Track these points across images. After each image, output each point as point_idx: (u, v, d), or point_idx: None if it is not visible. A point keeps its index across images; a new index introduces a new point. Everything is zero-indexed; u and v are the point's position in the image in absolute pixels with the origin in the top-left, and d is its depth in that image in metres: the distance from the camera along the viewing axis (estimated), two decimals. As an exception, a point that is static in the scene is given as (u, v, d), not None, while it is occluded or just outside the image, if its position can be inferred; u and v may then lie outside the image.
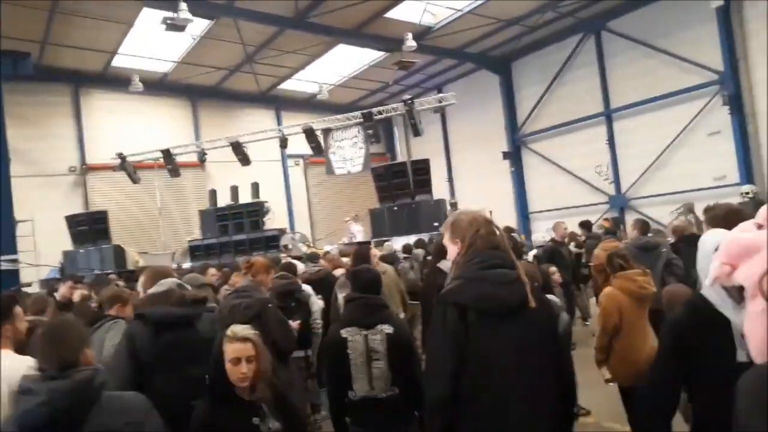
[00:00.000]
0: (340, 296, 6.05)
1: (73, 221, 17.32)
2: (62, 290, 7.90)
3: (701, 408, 2.37)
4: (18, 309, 3.26)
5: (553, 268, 7.21)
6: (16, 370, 2.94)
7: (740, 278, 1.81)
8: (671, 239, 8.02)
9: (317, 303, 6.25)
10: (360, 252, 6.92)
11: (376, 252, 7.43)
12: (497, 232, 2.66)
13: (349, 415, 3.57)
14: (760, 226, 1.84)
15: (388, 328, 3.48)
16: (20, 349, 3.19)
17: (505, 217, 18.23)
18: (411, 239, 12.93)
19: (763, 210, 1.90)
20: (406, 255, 10.38)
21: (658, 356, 2.51)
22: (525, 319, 2.47)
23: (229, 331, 2.96)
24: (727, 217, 3.27)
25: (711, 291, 2.09)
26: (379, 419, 3.48)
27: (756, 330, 1.48)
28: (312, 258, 9.01)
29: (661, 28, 17.17)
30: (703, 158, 16.40)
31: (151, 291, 3.63)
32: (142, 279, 4.07)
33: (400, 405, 3.45)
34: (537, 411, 2.41)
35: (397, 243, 12.71)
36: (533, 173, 21.79)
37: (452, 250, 2.68)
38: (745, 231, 1.89)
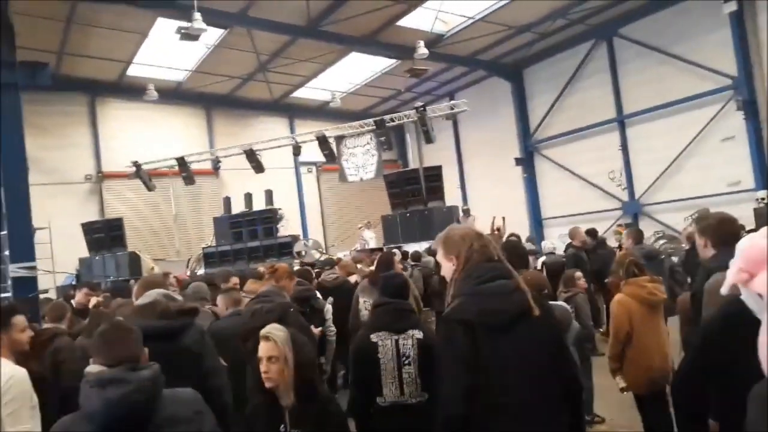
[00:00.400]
0: (362, 301, 6.08)
1: (89, 228, 17.53)
2: (78, 297, 7.99)
3: (722, 414, 2.38)
4: (18, 319, 3.29)
5: (579, 273, 7.15)
6: (21, 379, 3.00)
7: (757, 287, 1.76)
8: (686, 246, 7.99)
9: (330, 310, 6.32)
10: (384, 258, 6.98)
11: (399, 258, 7.51)
12: (490, 245, 2.69)
13: (374, 422, 3.55)
14: None
15: (418, 333, 3.51)
16: (23, 359, 3.25)
17: (518, 223, 18.20)
18: (423, 246, 12.98)
19: None
20: (414, 263, 10.41)
21: (686, 356, 2.54)
22: (529, 328, 2.49)
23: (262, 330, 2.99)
24: (719, 226, 3.28)
25: (747, 296, 2.05)
26: (408, 425, 3.46)
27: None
28: (328, 264, 9.08)
29: (673, 34, 17.12)
30: (717, 164, 16.29)
31: (137, 302, 3.56)
32: (135, 289, 4.04)
33: (429, 411, 3.42)
34: (544, 419, 2.43)
35: (410, 250, 12.73)
36: (546, 179, 21.75)
37: (447, 267, 2.69)
38: (765, 237, 1.84)
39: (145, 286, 3.74)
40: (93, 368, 2.15)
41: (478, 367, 2.38)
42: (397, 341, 3.49)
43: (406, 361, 3.46)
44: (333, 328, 6.03)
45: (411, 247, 13.32)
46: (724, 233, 3.21)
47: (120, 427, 2.03)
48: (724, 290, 1.93)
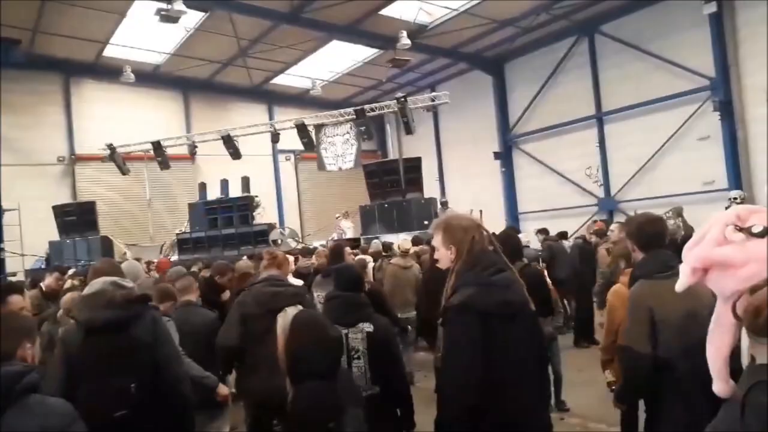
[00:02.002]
0: (316, 294, 6.05)
1: (60, 211, 17.20)
2: (48, 281, 7.84)
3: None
4: (14, 298, 3.23)
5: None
6: None
7: (711, 283, 1.78)
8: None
9: (319, 303, 6.35)
10: (334, 249, 6.94)
11: (349, 249, 7.52)
12: (489, 236, 2.74)
13: None
14: (738, 228, 1.77)
15: (368, 327, 3.43)
16: None
17: (494, 217, 18.26)
18: (401, 237, 12.94)
19: (738, 210, 1.82)
20: (385, 254, 10.36)
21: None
22: (528, 320, 2.62)
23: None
24: (640, 229, 3.31)
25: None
26: None
27: (718, 354, 1.52)
28: (305, 252, 9.04)
29: (653, 33, 17.26)
30: (693, 163, 16.52)
31: (83, 292, 3.41)
32: (88, 277, 3.89)
33: (381, 404, 3.37)
34: (541, 402, 2.65)
35: (386, 241, 12.70)
36: (523, 174, 21.86)
37: (444, 255, 2.69)
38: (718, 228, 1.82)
39: (93, 275, 3.56)
40: None
41: (489, 356, 2.44)
42: (346, 335, 3.40)
43: (356, 355, 3.39)
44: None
45: (388, 238, 13.28)
46: (647, 235, 3.25)
47: None
48: (677, 288, 1.93)
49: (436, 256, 2.80)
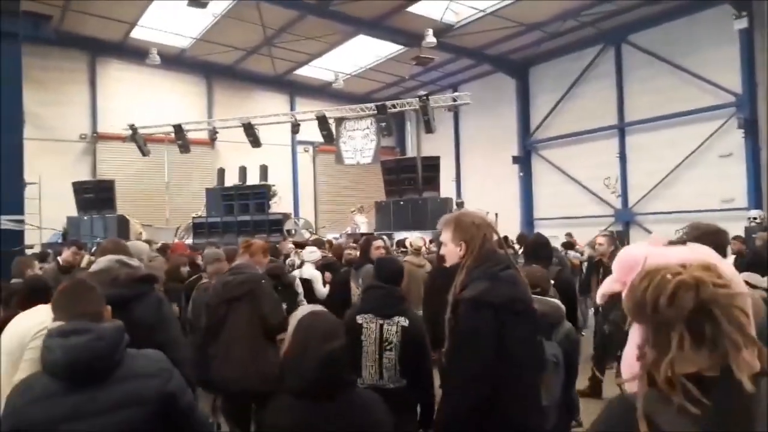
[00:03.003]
0: (353, 286, 6.08)
1: (79, 188, 17.36)
2: (65, 255, 7.90)
3: None
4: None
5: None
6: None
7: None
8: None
9: (300, 286, 6.41)
10: (364, 243, 6.95)
11: (379, 244, 7.48)
12: (497, 233, 2.77)
13: None
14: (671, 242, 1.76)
15: (404, 321, 3.46)
16: None
17: (509, 221, 18.23)
18: (414, 235, 12.94)
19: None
20: (402, 250, 10.38)
21: None
22: (531, 318, 2.65)
23: None
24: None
25: None
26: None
27: (627, 351, 1.34)
28: (317, 244, 9.09)
29: (682, 46, 17.11)
30: (713, 180, 16.36)
31: (90, 269, 3.39)
32: (96, 255, 3.88)
33: (406, 397, 3.44)
34: (539, 404, 2.70)
35: (400, 238, 12.71)
36: (541, 180, 21.78)
37: (453, 250, 2.69)
38: (638, 246, 1.79)
39: (102, 252, 3.55)
40: (55, 323, 2.17)
41: (500, 350, 2.47)
42: (381, 326, 3.45)
43: (388, 347, 3.43)
44: (304, 301, 6.05)
45: (401, 235, 13.28)
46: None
47: (82, 376, 2.03)
48: (598, 300, 1.93)
49: (443, 252, 2.79)
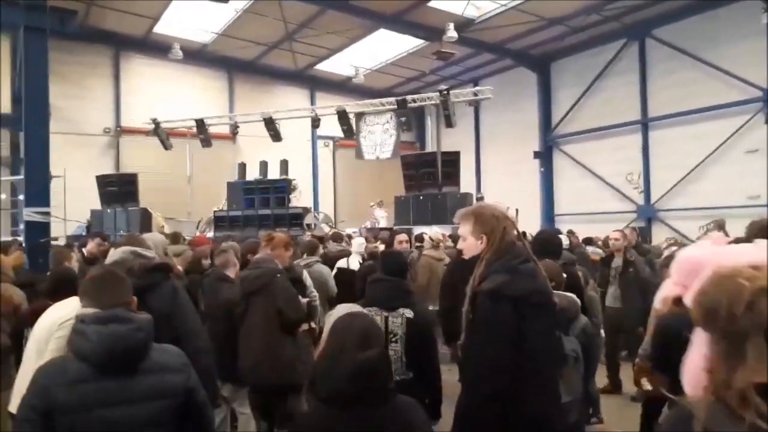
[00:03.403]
0: None
1: (103, 181, 17.61)
2: (90, 246, 8.04)
3: None
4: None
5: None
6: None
7: (688, 299, 1.64)
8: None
9: (309, 278, 6.46)
10: (388, 238, 7.02)
11: (402, 238, 7.53)
12: (515, 228, 2.77)
13: None
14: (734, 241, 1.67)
15: (409, 313, 3.49)
16: None
17: (529, 217, 18.12)
18: (434, 229, 12.93)
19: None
20: (418, 244, 10.38)
21: None
22: (551, 311, 2.68)
23: None
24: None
25: None
26: None
27: (691, 360, 1.25)
28: (335, 238, 9.13)
29: (707, 40, 16.84)
30: (738, 176, 16.09)
31: (106, 261, 3.43)
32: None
33: (412, 389, 3.45)
34: (557, 397, 2.72)
35: (419, 232, 12.70)
36: (563, 175, 21.61)
37: (473, 243, 2.69)
38: (699, 247, 1.71)
39: (118, 247, 3.59)
40: (86, 310, 2.19)
41: (518, 342, 2.48)
42: (386, 318, 3.49)
43: (394, 339, 3.46)
44: (316, 294, 6.09)
45: (421, 230, 13.28)
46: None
47: (116, 364, 2.07)
48: (657, 304, 1.86)
49: (461, 245, 2.79)
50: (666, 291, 1.74)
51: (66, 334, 2.86)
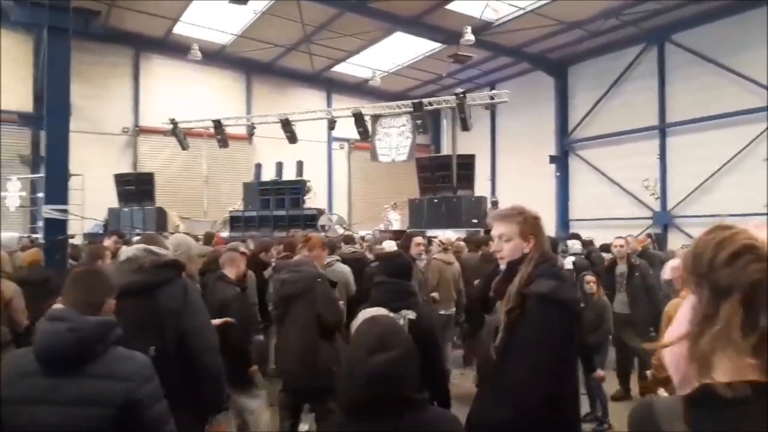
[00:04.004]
0: None
1: (121, 180, 17.80)
2: (107, 244, 8.15)
3: None
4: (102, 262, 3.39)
5: (588, 277, 7.08)
6: None
7: None
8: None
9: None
10: (404, 239, 7.02)
11: (419, 240, 7.53)
12: None
13: None
14: None
15: (411, 314, 3.52)
16: None
17: (545, 222, 17.98)
18: (447, 233, 12.93)
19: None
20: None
21: None
22: (579, 317, 2.84)
23: None
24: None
25: None
26: None
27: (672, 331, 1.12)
28: (347, 240, 9.17)
29: (727, 46, 16.68)
30: (757, 184, 15.86)
31: (119, 259, 3.44)
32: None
33: None
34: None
35: (434, 236, 12.69)
36: (578, 180, 21.49)
37: (518, 244, 2.66)
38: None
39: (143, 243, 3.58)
40: (57, 306, 2.23)
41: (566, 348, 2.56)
42: None
43: None
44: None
45: (435, 233, 13.28)
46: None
47: (52, 362, 2.07)
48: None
49: (505, 247, 2.70)
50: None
51: None
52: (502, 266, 2.70)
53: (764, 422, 0.91)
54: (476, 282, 5.04)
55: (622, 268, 7.51)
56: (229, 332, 4.47)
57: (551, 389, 2.43)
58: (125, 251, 3.35)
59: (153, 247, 3.33)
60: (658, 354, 4.29)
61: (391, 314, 3.51)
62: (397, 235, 12.15)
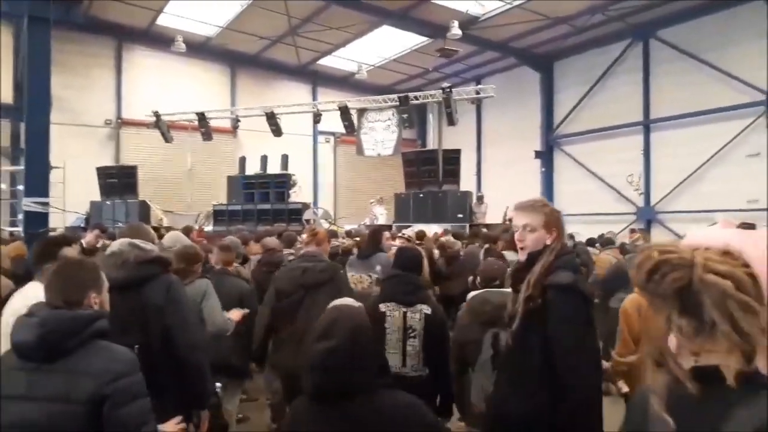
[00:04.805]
0: (350, 275, 6.10)
1: (103, 173, 17.59)
2: (88, 237, 8.03)
3: None
4: (67, 250, 3.32)
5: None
6: (35, 297, 3.07)
7: None
8: None
9: None
10: (373, 234, 6.96)
11: (387, 235, 7.56)
12: None
13: None
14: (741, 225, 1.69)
15: (426, 309, 3.55)
16: None
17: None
18: (433, 227, 12.92)
19: None
20: (419, 241, 10.37)
21: None
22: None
23: None
24: None
25: None
26: None
27: None
28: (332, 235, 9.14)
29: (712, 42, 16.79)
30: (739, 179, 16.06)
31: (105, 252, 3.42)
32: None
33: (427, 386, 3.49)
34: None
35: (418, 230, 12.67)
36: (563, 176, 21.59)
37: (541, 236, 2.64)
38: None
39: (120, 236, 3.54)
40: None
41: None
42: (405, 313, 3.53)
43: (412, 334, 3.51)
44: None
45: (420, 228, 13.24)
46: None
47: (24, 357, 2.07)
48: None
49: (528, 237, 2.67)
50: None
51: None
52: (522, 257, 2.69)
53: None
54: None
55: None
56: (251, 325, 4.60)
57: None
58: (112, 245, 3.32)
59: (138, 242, 3.29)
60: (619, 351, 4.24)
61: (406, 308, 3.52)
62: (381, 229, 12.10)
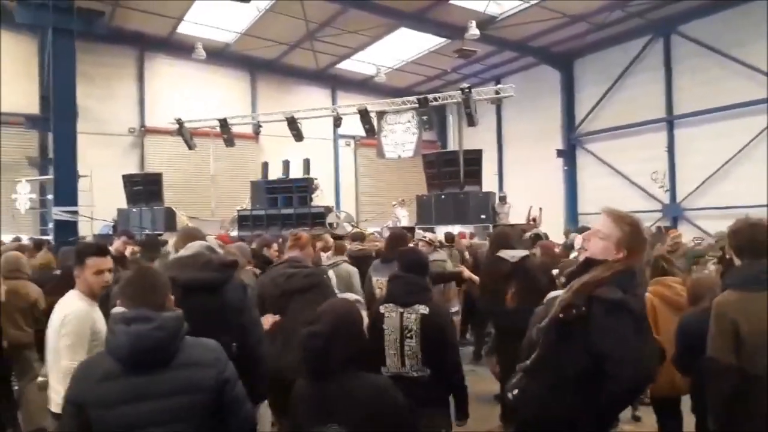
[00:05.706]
0: (375, 279, 6.10)
1: (129, 181, 17.85)
2: (116, 245, 8.14)
3: None
4: (92, 260, 3.39)
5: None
6: (79, 316, 3.15)
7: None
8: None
9: (335, 277, 6.45)
10: (395, 235, 6.93)
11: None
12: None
13: None
14: None
15: (423, 309, 3.53)
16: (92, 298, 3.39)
17: (553, 216, 17.95)
18: (456, 229, 12.91)
19: None
20: (448, 244, 10.35)
21: None
22: None
23: None
24: (736, 233, 3.16)
25: None
26: (410, 398, 3.50)
27: None
28: (356, 237, 9.15)
29: (734, 36, 16.55)
30: (765, 175, 15.79)
31: (179, 254, 3.48)
32: (173, 240, 4.02)
33: (432, 386, 3.50)
34: None
35: (441, 232, 12.66)
36: (586, 174, 21.41)
37: (608, 248, 2.53)
38: None
39: (184, 238, 3.64)
40: (119, 309, 2.28)
41: None
42: (401, 314, 3.54)
43: (409, 335, 3.51)
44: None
45: (443, 229, 13.23)
46: (743, 241, 3.04)
47: (142, 362, 2.15)
48: None
49: (594, 242, 2.60)
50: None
51: (68, 331, 3.11)
52: (581, 257, 2.66)
53: None
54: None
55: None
56: None
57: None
58: (189, 247, 3.39)
59: (209, 244, 3.46)
60: None
61: (403, 309, 3.55)
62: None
